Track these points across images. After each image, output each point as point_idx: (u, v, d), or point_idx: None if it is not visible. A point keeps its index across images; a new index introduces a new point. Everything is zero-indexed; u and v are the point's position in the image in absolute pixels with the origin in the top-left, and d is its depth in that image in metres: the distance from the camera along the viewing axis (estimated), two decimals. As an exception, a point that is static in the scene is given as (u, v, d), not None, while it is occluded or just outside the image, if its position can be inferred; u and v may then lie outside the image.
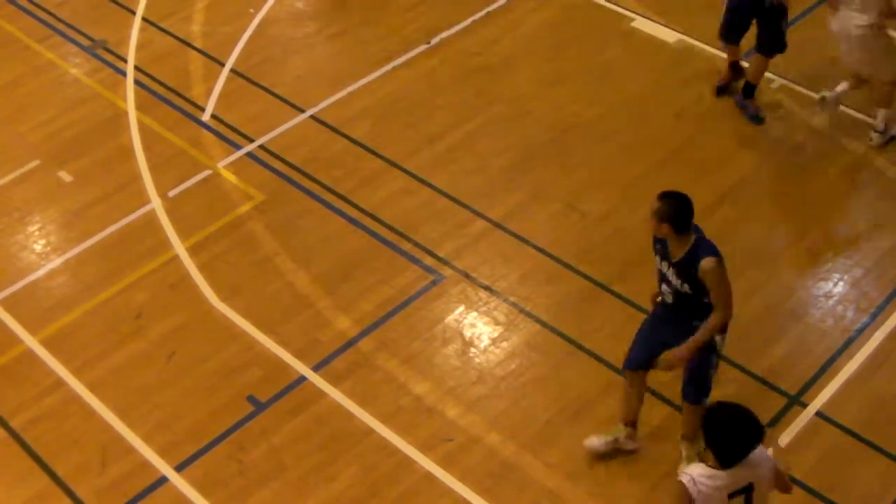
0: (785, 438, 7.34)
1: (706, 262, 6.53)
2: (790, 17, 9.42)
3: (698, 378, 6.89)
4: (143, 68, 10.57)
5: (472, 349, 8.03)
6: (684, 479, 5.45)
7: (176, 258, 8.75)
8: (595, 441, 7.28)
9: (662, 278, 6.77)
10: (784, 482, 5.62)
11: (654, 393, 7.61)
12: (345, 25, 11.02)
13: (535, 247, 8.70)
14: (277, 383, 7.84)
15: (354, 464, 7.36)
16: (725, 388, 7.63)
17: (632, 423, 7.26)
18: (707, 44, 10.46)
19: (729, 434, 5.31)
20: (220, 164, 9.52)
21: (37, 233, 9.08)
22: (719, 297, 6.63)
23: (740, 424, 5.32)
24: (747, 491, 5.47)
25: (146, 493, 7.25)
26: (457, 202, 9.09)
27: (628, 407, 7.22)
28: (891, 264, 8.46)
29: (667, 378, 7.67)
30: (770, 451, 5.55)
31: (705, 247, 6.60)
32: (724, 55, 9.96)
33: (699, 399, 6.93)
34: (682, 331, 6.71)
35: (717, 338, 6.77)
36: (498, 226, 8.87)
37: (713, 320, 6.61)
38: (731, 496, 5.45)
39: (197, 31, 11.02)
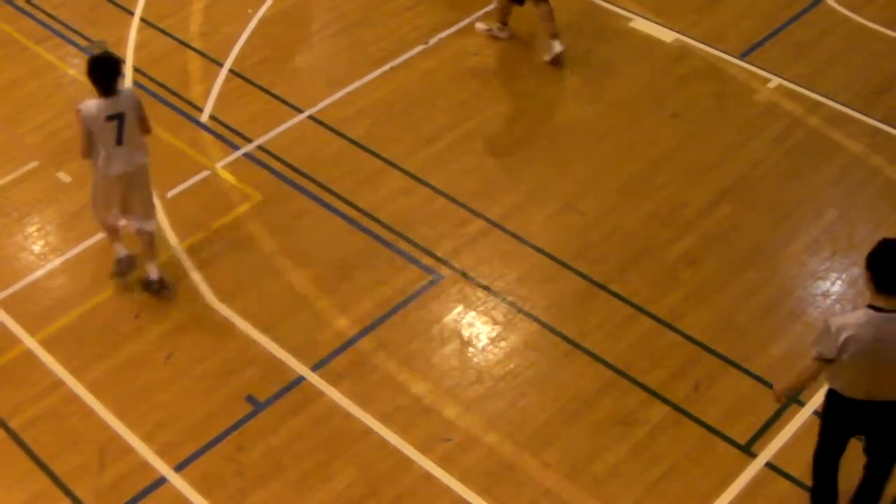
0: (783, 437, 7.35)
1: None
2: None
3: None
4: (141, 69, 10.57)
5: (471, 349, 8.03)
6: (80, 105, 7.50)
7: (174, 258, 8.75)
8: (480, 25, 10.54)
9: None
10: (143, 117, 7.85)
11: (653, 392, 7.62)
12: (343, 25, 11.02)
13: (533, 246, 8.70)
14: (276, 383, 7.84)
15: (353, 464, 7.36)
16: (723, 386, 7.66)
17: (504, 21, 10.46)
18: (704, 43, 10.47)
19: (99, 71, 7.50)
20: (219, 165, 9.52)
21: (35, 233, 9.09)
22: None
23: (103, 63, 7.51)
24: (120, 117, 7.54)
25: (145, 494, 7.25)
26: (455, 202, 9.10)
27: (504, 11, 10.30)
28: (889, 263, 8.46)
29: (666, 377, 7.72)
30: None
31: None
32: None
33: None
34: None
35: None
36: (496, 225, 8.87)
37: None
38: (109, 119, 7.52)
39: (195, 31, 11.02)
